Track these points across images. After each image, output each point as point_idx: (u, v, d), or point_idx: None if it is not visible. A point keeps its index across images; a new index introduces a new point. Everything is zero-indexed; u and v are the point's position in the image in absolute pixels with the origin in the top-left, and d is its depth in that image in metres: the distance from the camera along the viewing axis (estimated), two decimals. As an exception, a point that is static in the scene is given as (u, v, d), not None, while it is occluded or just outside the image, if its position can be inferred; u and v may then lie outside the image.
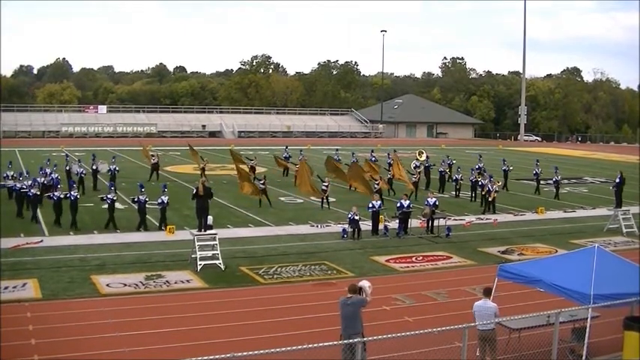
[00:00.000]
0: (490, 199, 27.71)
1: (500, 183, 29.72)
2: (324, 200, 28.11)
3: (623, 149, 77.90)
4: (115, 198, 22.88)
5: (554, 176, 32.66)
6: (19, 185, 24.99)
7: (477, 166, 35.54)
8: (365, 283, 10.63)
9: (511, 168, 36.09)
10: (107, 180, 30.97)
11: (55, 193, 22.93)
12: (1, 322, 12.69)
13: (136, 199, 22.65)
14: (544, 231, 24.44)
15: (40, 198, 24.18)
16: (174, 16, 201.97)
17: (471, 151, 64.23)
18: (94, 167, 32.29)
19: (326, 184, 28.36)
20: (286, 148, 44.00)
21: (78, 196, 22.98)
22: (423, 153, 37.58)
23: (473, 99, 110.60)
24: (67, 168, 32.16)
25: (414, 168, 35.91)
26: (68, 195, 22.46)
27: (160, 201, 22.65)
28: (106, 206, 23.06)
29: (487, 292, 11.17)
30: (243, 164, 33.51)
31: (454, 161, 37.94)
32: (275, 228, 23.85)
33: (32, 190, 23.99)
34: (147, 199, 22.81)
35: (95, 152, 38.70)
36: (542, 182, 34.63)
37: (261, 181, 28.75)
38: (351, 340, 9.23)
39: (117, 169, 32.54)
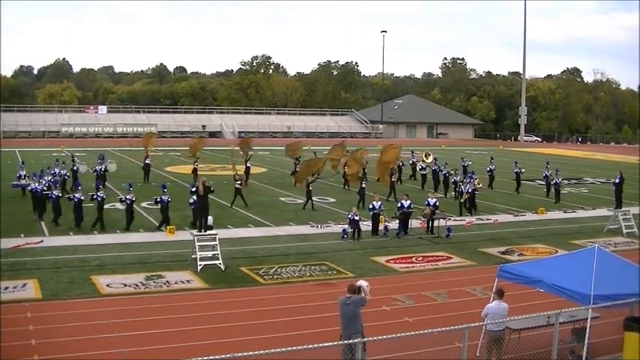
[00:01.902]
0: (462, 201, 27.54)
1: (480, 185, 29.51)
2: (309, 201, 28.02)
3: (624, 150, 77.96)
4: (134, 199, 22.91)
5: (555, 178, 32.24)
6: (39, 187, 24.70)
7: (488, 168, 35.65)
8: (363, 283, 10.66)
9: (523, 170, 35.79)
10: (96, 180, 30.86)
11: (76, 195, 22.72)
12: (1, 323, 12.69)
13: (158, 199, 22.79)
14: (544, 231, 24.44)
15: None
16: (175, 16, 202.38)
17: (471, 151, 64.21)
18: (101, 167, 32.28)
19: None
20: None
21: (104, 197, 22.96)
22: (429, 155, 37.35)
23: (473, 99, 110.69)
24: (75, 168, 32.09)
25: (420, 170, 35.81)
26: (95, 196, 22.35)
27: (191, 201, 22.66)
28: (123, 207, 23.14)
29: (501, 293, 11.19)
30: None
31: (470, 162, 37.68)
32: (275, 228, 23.85)
33: (54, 192, 23.70)
34: (170, 200, 22.87)
35: (99, 153, 38.61)
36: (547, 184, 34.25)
37: (238, 182, 28.64)
38: (351, 341, 9.23)
39: (104, 169, 32.46)
